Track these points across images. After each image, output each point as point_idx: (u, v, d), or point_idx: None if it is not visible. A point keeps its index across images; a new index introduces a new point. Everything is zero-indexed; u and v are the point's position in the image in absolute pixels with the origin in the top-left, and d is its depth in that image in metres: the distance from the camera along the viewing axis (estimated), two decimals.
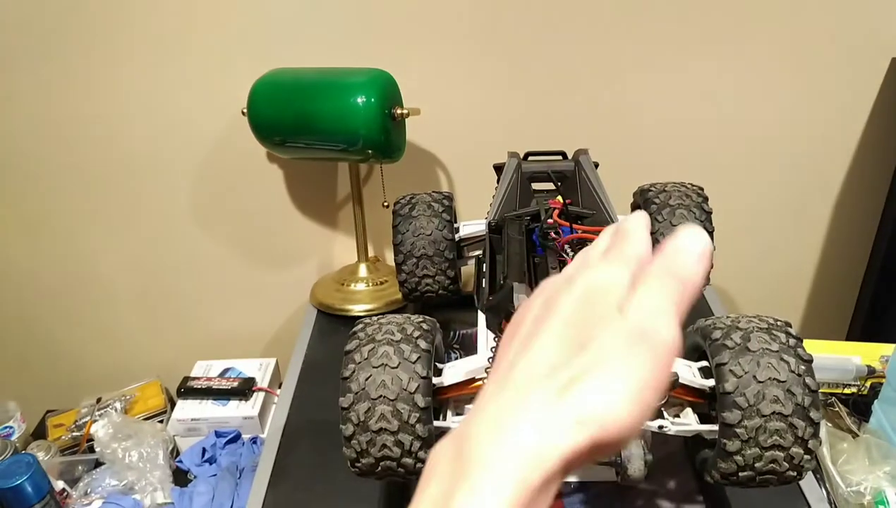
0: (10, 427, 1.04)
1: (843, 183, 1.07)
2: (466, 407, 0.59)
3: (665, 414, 0.55)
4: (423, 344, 0.54)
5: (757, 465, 0.50)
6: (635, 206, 0.83)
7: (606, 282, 0.27)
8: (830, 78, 0.99)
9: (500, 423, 0.24)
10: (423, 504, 0.24)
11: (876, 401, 0.84)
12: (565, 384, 0.24)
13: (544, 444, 0.23)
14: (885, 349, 0.92)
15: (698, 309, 0.91)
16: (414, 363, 0.52)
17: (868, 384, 0.89)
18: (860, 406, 0.87)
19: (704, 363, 0.55)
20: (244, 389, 1.00)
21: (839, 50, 0.97)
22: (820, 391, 0.51)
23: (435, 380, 0.53)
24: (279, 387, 1.03)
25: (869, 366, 0.90)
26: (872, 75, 0.99)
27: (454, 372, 0.57)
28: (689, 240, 0.28)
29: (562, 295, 0.28)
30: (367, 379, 0.52)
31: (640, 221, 0.30)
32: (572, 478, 0.63)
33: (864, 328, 1.12)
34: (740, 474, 0.51)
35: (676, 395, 0.55)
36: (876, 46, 0.96)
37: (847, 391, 0.90)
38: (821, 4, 0.94)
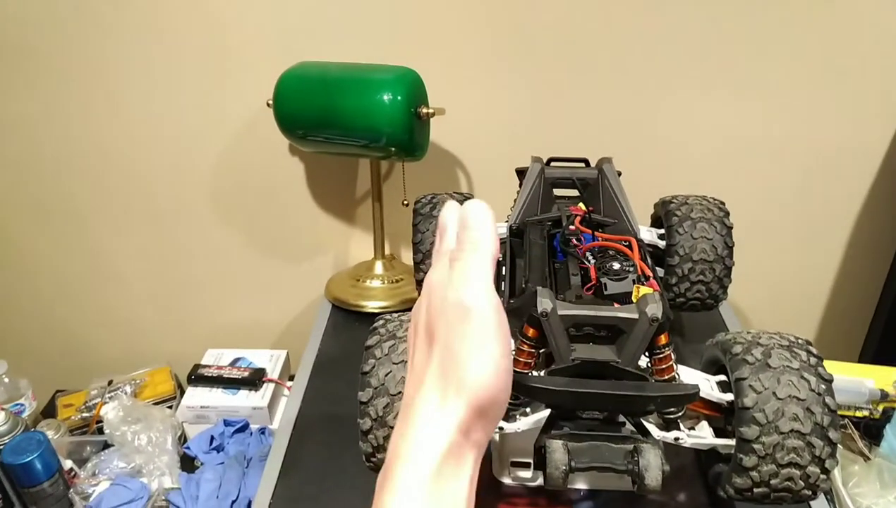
0: (22, 405, 1.04)
1: (861, 204, 1.07)
2: None
3: (681, 426, 0.54)
4: None
5: (772, 482, 0.50)
6: (656, 217, 0.83)
7: (438, 277, 0.32)
8: (850, 100, 0.99)
9: (414, 420, 0.30)
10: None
11: (888, 426, 0.83)
12: (438, 378, 0.29)
13: (441, 424, 0.29)
14: None
15: (713, 324, 0.91)
16: None
17: (881, 408, 0.89)
18: (871, 429, 0.87)
19: (723, 377, 0.55)
20: (254, 379, 1.01)
21: (860, 72, 0.96)
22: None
23: None
24: (289, 379, 1.04)
25: (882, 390, 0.90)
26: (893, 98, 0.98)
27: None
28: (478, 215, 0.32)
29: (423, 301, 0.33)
30: (386, 375, 0.52)
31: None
32: (583, 485, 0.62)
33: (877, 351, 1.12)
34: (755, 490, 0.51)
35: (693, 408, 0.55)
36: None
37: (859, 413, 0.89)
38: (843, 26, 0.93)
